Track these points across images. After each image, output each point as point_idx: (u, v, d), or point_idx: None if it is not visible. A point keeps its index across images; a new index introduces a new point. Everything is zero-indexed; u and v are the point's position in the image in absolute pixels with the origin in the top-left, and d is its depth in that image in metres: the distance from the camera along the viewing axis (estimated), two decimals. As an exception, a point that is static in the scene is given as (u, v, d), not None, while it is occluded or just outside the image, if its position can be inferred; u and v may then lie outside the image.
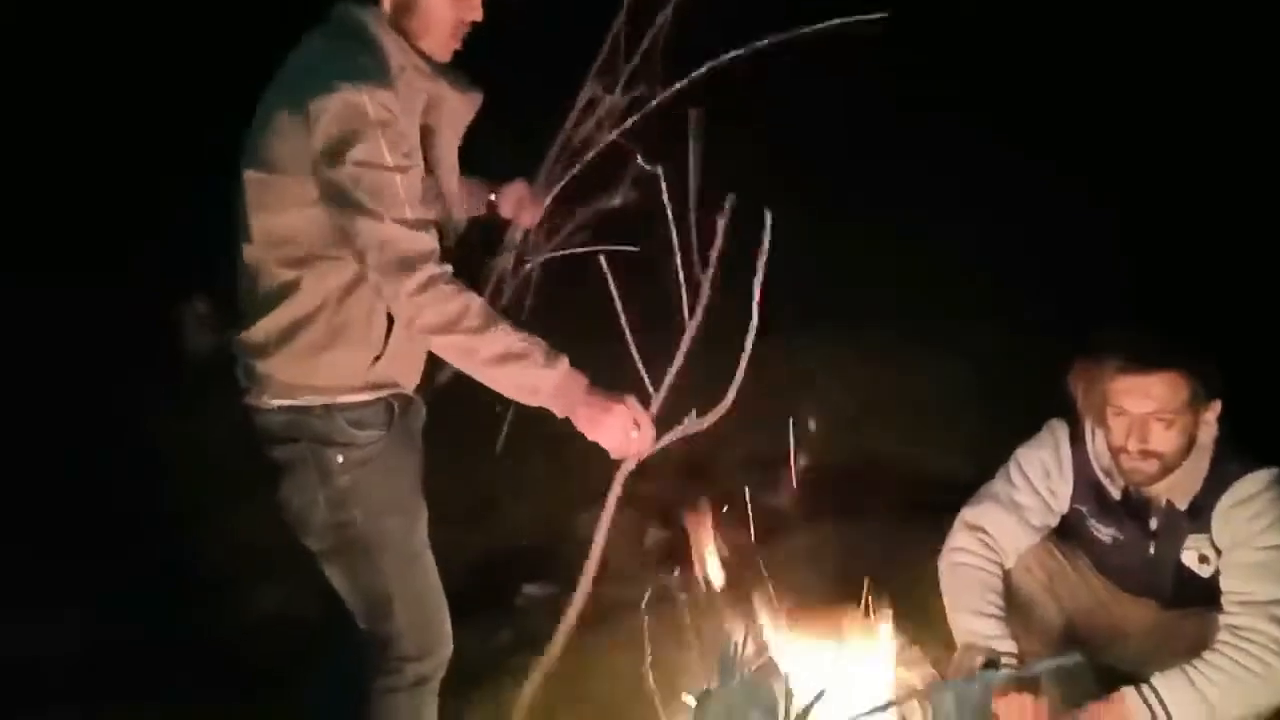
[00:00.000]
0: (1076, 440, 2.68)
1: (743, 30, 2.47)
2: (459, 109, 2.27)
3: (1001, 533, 2.69)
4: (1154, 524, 2.61)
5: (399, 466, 2.27)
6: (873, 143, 5.91)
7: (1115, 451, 2.55)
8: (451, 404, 2.47)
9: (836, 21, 2.45)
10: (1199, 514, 2.55)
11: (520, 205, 2.61)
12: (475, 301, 2.06)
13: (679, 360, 2.20)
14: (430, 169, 2.25)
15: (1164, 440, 2.48)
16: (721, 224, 2.08)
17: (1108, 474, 2.64)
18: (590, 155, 2.57)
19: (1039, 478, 2.70)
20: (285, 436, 2.20)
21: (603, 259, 2.23)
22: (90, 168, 5.75)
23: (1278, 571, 2.45)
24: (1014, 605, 2.66)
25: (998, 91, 6.03)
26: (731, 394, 2.15)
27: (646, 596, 2.40)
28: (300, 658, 2.82)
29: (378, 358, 2.17)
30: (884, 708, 2.17)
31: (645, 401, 2.18)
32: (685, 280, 2.17)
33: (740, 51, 2.44)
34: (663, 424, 2.19)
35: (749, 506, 2.77)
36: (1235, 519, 2.50)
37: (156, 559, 3.59)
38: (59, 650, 3.22)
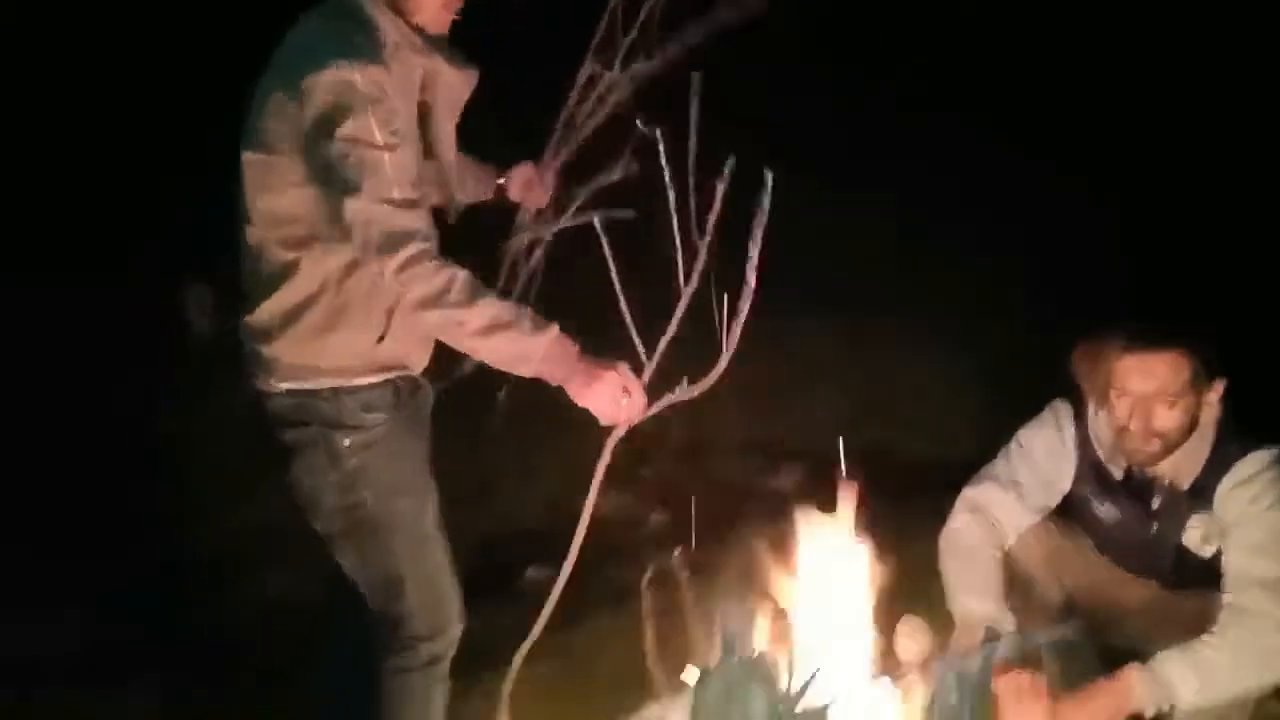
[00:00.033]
0: (1079, 420, 2.70)
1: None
2: (456, 85, 2.28)
3: (1002, 512, 2.70)
4: (1155, 504, 2.63)
5: (408, 448, 2.29)
6: (873, 143, 5.91)
7: (1118, 431, 2.57)
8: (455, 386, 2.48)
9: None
10: (1200, 494, 2.56)
11: (529, 187, 2.61)
12: (461, 274, 2.07)
13: (673, 327, 2.17)
14: (429, 147, 2.25)
15: (1166, 420, 2.50)
16: (720, 189, 2.07)
17: (1110, 454, 2.65)
18: (593, 127, 2.55)
19: (1041, 458, 2.71)
20: (294, 420, 2.22)
21: (600, 230, 2.22)
22: (90, 167, 5.75)
23: (1278, 551, 2.45)
24: (1014, 584, 2.67)
25: (998, 91, 6.03)
26: (724, 361, 2.13)
27: (647, 576, 2.40)
28: (302, 655, 2.82)
29: (381, 338, 2.18)
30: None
31: (638, 370, 2.17)
32: (683, 247, 2.15)
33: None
34: (657, 398, 2.19)
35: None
36: (1237, 499, 2.51)
37: (156, 559, 3.58)
38: (59, 650, 3.22)
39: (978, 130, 5.71)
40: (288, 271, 2.16)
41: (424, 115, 2.23)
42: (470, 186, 2.55)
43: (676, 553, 2.47)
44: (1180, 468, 2.58)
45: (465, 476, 2.82)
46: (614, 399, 2.14)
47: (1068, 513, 2.77)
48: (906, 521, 2.88)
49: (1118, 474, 2.66)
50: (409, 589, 2.28)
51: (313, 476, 2.23)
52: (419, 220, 2.09)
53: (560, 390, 2.14)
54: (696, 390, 2.18)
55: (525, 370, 2.12)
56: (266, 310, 2.20)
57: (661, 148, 2.13)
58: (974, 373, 4.49)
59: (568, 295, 2.46)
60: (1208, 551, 2.58)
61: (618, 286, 2.19)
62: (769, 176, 2.01)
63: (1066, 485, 2.73)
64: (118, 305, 4.80)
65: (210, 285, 4.70)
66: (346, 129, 2.02)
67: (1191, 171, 5.42)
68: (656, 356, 2.19)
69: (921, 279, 5.08)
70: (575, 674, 2.90)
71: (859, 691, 2.23)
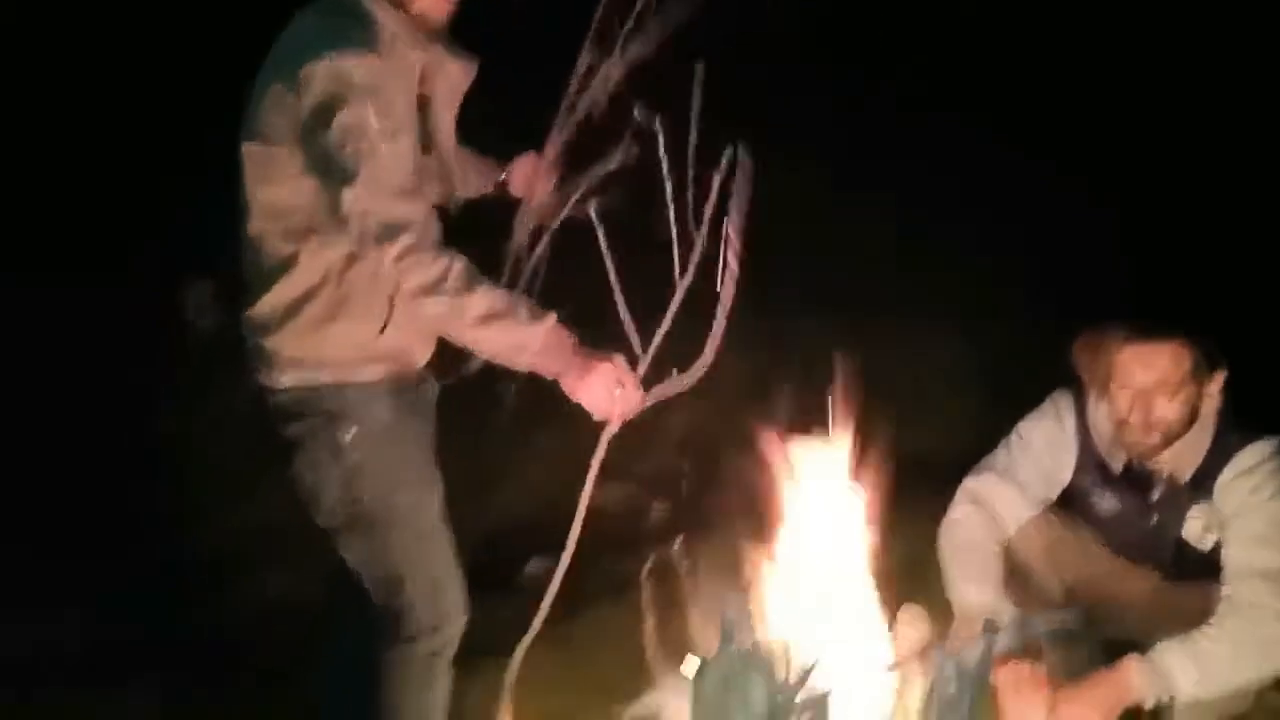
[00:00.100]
0: (1079, 412, 2.70)
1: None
2: (455, 76, 2.28)
3: (1002, 503, 2.71)
4: (1156, 495, 2.64)
5: (410, 442, 2.29)
6: (873, 143, 5.91)
7: (1118, 423, 2.57)
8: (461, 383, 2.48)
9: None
10: (1201, 485, 2.57)
11: (530, 180, 2.60)
12: (458, 263, 2.07)
13: (668, 320, 2.17)
14: (429, 139, 2.26)
15: (1167, 412, 2.51)
16: (717, 181, 2.06)
17: (1110, 446, 2.66)
18: (592, 114, 2.55)
19: (1041, 449, 2.72)
20: (296, 414, 2.22)
21: (596, 221, 2.22)
22: (90, 167, 5.75)
23: (1279, 541, 2.45)
24: (1014, 575, 2.67)
25: (998, 91, 6.03)
26: (710, 351, 2.13)
27: (647, 566, 2.41)
28: (302, 655, 2.82)
29: (383, 329, 2.18)
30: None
31: (634, 363, 2.16)
32: (679, 239, 2.14)
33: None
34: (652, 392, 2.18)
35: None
36: (1237, 490, 2.52)
37: (156, 559, 3.58)
38: (59, 650, 3.22)
39: (978, 130, 5.70)
40: (288, 264, 2.17)
41: (423, 107, 2.23)
42: (472, 180, 2.55)
43: (676, 544, 2.47)
44: (1181, 459, 2.59)
45: (466, 470, 2.83)
46: (608, 392, 2.14)
47: (1068, 504, 2.78)
48: (906, 513, 2.89)
49: (1118, 466, 2.67)
50: (411, 583, 2.28)
51: (315, 470, 2.23)
52: (416, 210, 2.09)
53: (558, 384, 2.14)
54: (686, 382, 2.18)
55: (521, 361, 2.13)
56: (267, 303, 2.20)
57: (660, 137, 2.12)
58: (974, 372, 4.49)
59: (566, 287, 2.46)
60: (1208, 543, 2.58)
61: (613, 278, 2.18)
62: (744, 158, 2.01)
63: (1067, 477, 2.73)
64: (118, 305, 4.80)
65: (212, 281, 4.71)
66: (343, 119, 2.02)
67: (1191, 171, 5.42)
68: (652, 350, 2.18)
69: (921, 279, 5.08)
70: (575, 664, 2.90)
71: (858, 680, 2.23)
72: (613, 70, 2.43)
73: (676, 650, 2.35)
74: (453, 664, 2.38)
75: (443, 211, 2.34)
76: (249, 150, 2.17)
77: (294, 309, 2.18)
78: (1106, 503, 2.70)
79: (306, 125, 2.06)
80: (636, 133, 2.33)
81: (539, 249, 2.61)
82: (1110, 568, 2.75)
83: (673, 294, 2.16)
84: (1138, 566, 2.74)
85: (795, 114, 5.81)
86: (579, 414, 2.19)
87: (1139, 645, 2.47)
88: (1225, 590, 2.47)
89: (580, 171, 2.54)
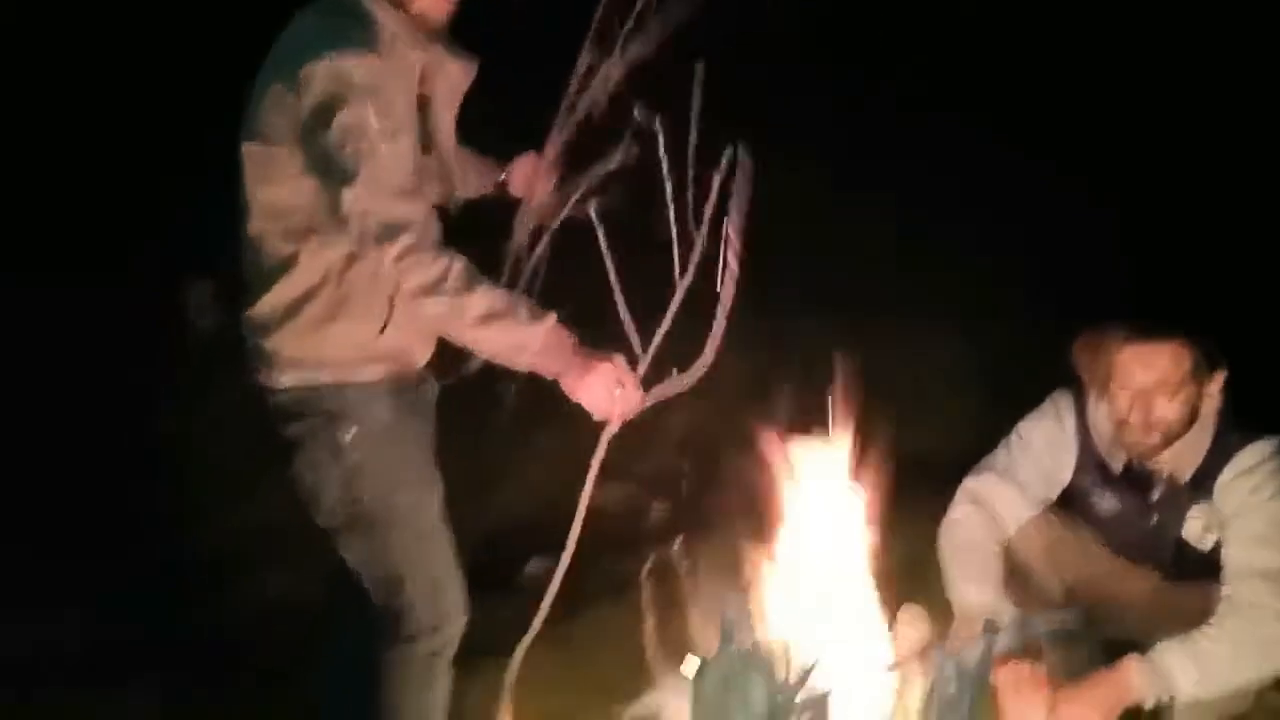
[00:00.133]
0: (1079, 412, 2.70)
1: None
2: (455, 76, 2.28)
3: (1002, 503, 2.71)
4: (1155, 495, 2.63)
5: (410, 442, 2.29)
6: (873, 143, 5.91)
7: (1118, 423, 2.58)
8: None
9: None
10: (1201, 485, 2.57)
11: (531, 180, 2.59)
12: (458, 263, 2.07)
13: (668, 320, 2.17)
14: (429, 138, 2.26)
15: (1167, 412, 2.51)
16: (717, 180, 2.06)
17: (1110, 446, 2.66)
18: (593, 114, 2.54)
19: (1041, 449, 2.72)
20: (296, 413, 2.22)
21: (596, 220, 2.22)
22: (90, 167, 5.75)
23: (1279, 541, 2.45)
24: (1014, 576, 2.67)
25: (998, 91, 6.03)
26: (710, 351, 2.13)
27: (647, 566, 2.41)
28: (302, 654, 2.82)
29: (383, 329, 2.18)
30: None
31: (634, 364, 2.16)
32: (679, 239, 2.14)
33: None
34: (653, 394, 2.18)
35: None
36: (1237, 490, 2.52)
37: (156, 559, 3.58)
38: (59, 650, 3.22)
39: (978, 130, 5.70)
40: (288, 264, 2.17)
41: (423, 107, 2.23)
42: (472, 180, 2.55)
43: (676, 544, 2.47)
44: (1181, 459, 2.59)
45: (467, 470, 2.83)
46: (608, 392, 2.14)
47: (1068, 504, 2.78)
48: (906, 513, 2.89)
49: (1118, 465, 2.67)
50: (411, 582, 2.28)
51: (315, 470, 2.23)
52: (416, 210, 2.09)
53: (558, 384, 2.14)
54: (686, 382, 2.18)
55: (521, 361, 2.13)
56: (267, 303, 2.20)
57: (660, 137, 2.12)
58: (974, 372, 4.49)
59: (566, 287, 2.46)
60: (1208, 542, 2.58)
61: (614, 278, 2.18)
62: (744, 158, 2.01)
63: (1067, 477, 2.73)
64: (118, 305, 4.80)
65: (212, 281, 4.71)
66: (343, 119, 2.03)
67: (1191, 171, 5.42)
68: (652, 350, 2.18)
69: (921, 279, 5.08)
70: (576, 664, 2.90)
71: (858, 680, 2.23)
72: (613, 70, 2.43)
73: (676, 650, 2.36)
74: (452, 664, 2.38)
75: (443, 211, 2.34)
76: (249, 150, 2.17)
77: (294, 309, 2.18)
78: (1106, 503, 2.70)
79: (306, 125, 2.06)
80: (637, 133, 2.33)
81: (539, 249, 2.61)
82: (1110, 568, 2.75)
83: (673, 294, 2.16)
84: (1138, 566, 2.74)
85: (795, 114, 5.81)
86: (579, 414, 2.19)
87: (1139, 645, 2.47)
88: (1225, 590, 2.47)
89: (580, 171, 2.54)
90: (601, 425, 2.21)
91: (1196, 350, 2.51)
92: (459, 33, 2.31)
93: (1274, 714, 2.58)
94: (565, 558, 2.27)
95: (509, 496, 3.95)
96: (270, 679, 2.98)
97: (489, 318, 2.07)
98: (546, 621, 2.37)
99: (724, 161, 2.05)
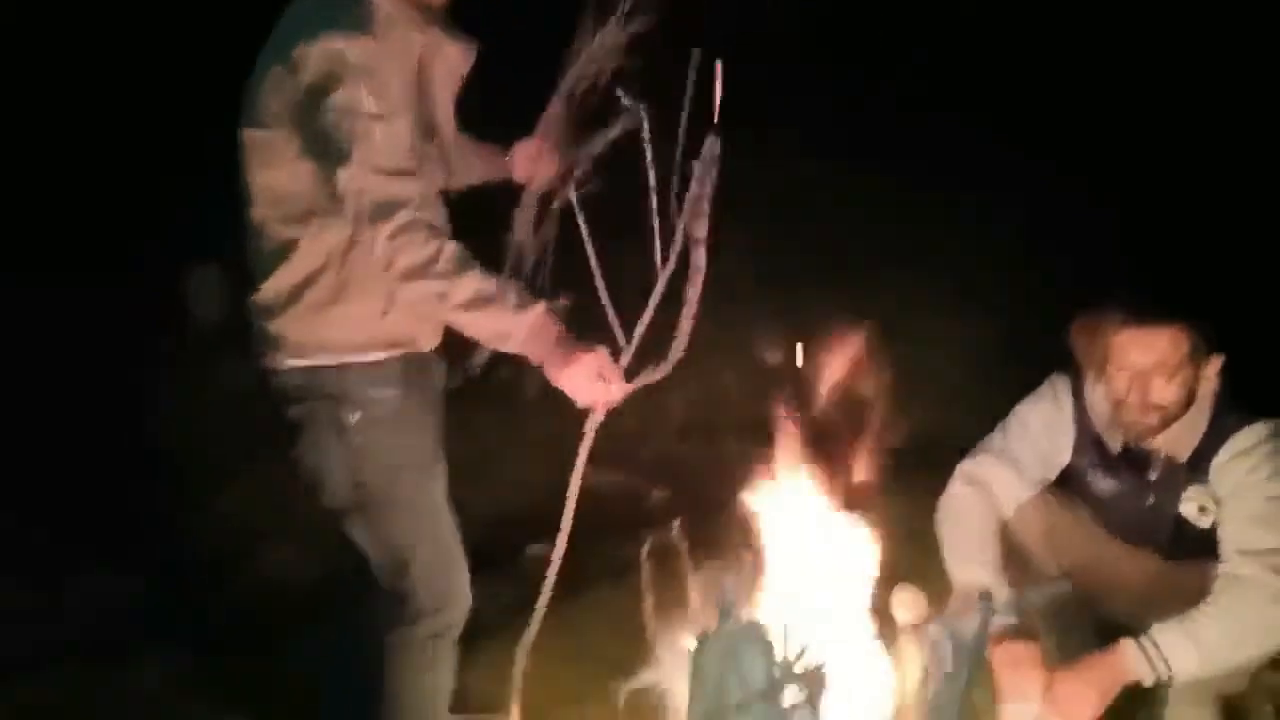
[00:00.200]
0: (1077, 394, 2.70)
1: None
2: (454, 59, 2.28)
3: (999, 485, 2.70)
4: (1153, 476, 2.63)
5: (415, 425, 2.29)
6: (873, 143, 5.91)
7: (1116, 405, 2.57)
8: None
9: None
10: (1198, 466, 2.57)
11: (533, 165, 2.58)
12: (449, 246, 2.08)
13: (650, 311, 2.19)
14: (429, 123, 2.26)
15: (1165, 393, 2.51)
16: (699, 169, 2.07)
17: (1107, 427, 2.66)
18: (592, 91, 2.55)
19: (1038, 431, 2.72)
20: (300, 396, 2.23)
21: (577, 209, 2.22)
22: (90, 167, 5.76)
23: (1276, 522, 2.46)
24: (1011, 557, 2.66)
25: (998, 91, 6.04)
26: (678, 348, 2.15)
27: (646, 547, 2.42)
28: (302, 650, 2.83)
29: (385, 311, 2.18)
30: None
31: (618, 354, 2.18)
32: (661, 225, 2.16)
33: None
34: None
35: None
36: (1234, 470, 2.52)
37: (156, 558, 3.59)
38: (59, 648, 3.22)
39: (978, 130, 5.71)
40: (289, 248, 2.18)
41: (423, 91, 2.23)
42: (474, 165, 2.55)
43: (675, 526, 2.48)
44: (1178, 440, 2.59)
45: (465, 452, 2.84)
46: (590, 381, 2.16)
47: (1066, 485, 2.77)
48: (904, 496, 2.89)
49: (1116, 447, 2.67)
50: (416, 564, 2.29)
51: (318, 452, 2.24)
52: (412, 189, 2.09)
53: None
54: (663, 370, 2.20)
55: (506, 347, 2.14)
56: (271, 287, 2.21)
57: (645, 127, 2.13)
58: (974, 372, 4.49)
59: (567, 276, 2.47)
60: (1205, 523, 2.58)
61: (595, 267, 2.20)
62: (715, 148, 2.01)
63: (1064, 458, 2.73)
64: (118, 305, 4.81)
65: (213, 268, 4.71)
66: (337, 98, 2.03)
67: (1191, 171, 5.43)
68: (635, 340, 2.20)
69: (922, 277, 5.09)
70: (576, 643, 2.91)
71: (855, 655, 2.23)
72: (609, 51, 2.44)
73: (675, 629, 2.37)
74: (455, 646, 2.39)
75: (444, 198, 2.35)
76: (249, 136, 2.18)
77: (296, 293, 2.19)
78: (1104, 483, 2.70)
79: (302, 105, 2.07)
80: (627, 130, 2.35)
81: (541, 234, 2.61)
82: (1108, 548, 2.75)
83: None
84: (1136, 547, 2.74)
85: (795, 114, 5.82)
86: (570, 400, 2.21)
87: (1137, 625, 2.46)
88: (1222, 569, 2.47)
89: (579, 156, 2.54)
90: (587, 412, 2.23)
91: (1194, 333, 2.51)
92: (459, 15, 2.31)
93: (1270, 693, 2.59)
94: (561, 540, 2.29)
95: (511, 480, 3.94)
96: (270, 678, 2.98)
97: (476, 303, 2.07)
98: (547, 602, 2.38)
99: (704, 151, 2.06)
